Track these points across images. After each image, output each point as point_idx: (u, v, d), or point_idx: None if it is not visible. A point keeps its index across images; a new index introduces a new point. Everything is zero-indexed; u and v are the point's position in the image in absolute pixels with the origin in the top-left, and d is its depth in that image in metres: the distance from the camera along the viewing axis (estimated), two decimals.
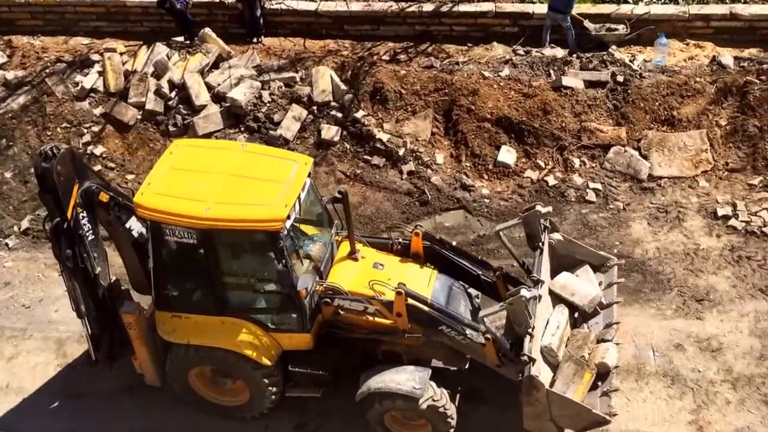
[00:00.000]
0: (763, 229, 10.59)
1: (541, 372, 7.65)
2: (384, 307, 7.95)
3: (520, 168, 11.89)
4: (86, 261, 8.00)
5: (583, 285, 8.66)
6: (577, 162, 11.88)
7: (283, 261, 7.65)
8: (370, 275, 8.22)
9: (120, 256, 8.72)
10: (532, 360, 7.46)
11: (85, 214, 7.94)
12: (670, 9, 13.33)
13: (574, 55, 12.90)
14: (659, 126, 12.05)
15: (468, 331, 7.90)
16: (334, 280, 8.27)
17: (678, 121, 12.01)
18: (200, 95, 12.74)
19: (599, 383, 7.97)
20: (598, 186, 11.60)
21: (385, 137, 12.21)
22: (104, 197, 8.08)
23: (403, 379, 7.89)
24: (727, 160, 11.65)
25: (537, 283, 8.14)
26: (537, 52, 13.11)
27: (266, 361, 8.14)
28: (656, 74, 12.48)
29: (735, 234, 10.71)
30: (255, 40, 13.84)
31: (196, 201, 7.55)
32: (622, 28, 13.08)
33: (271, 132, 12.39)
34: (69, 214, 7.73)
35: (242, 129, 12.57)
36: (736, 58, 12.83)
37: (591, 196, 11.52)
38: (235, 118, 12.68)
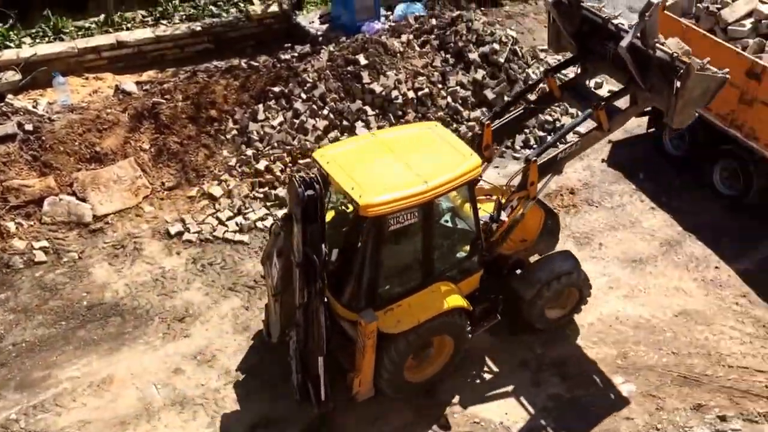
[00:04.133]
0: (214, 234, 11.22)
1: None
2: (520, 189, 8.77)
3: None
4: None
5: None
6: (12, 226, 10.77)
7: (478, 206, 8.67)
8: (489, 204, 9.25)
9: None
10: (683, 61, 8.00)
11: None
12: (58, 47, 13.03)
13: None
14: (87, 165, 11.69)
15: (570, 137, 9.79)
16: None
17: (104, 156, 11.83)
18: None
19: None
20: (45, 243, 10.74)
21: None
22: None
23: (560, 262, 9.54)
24: (162, 180, 11.97)
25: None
26: None
27: (469, 305, 8.74)
28: (66, 114, 12.08)
29: (192, 246, 11.08)
30: None
31: (409, 182, 7.88)
32: (12, 75, 12.25)
33: None
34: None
35: None
36: (137, 83, 13.25)
37: (40, 256, 10.59)
38: None
